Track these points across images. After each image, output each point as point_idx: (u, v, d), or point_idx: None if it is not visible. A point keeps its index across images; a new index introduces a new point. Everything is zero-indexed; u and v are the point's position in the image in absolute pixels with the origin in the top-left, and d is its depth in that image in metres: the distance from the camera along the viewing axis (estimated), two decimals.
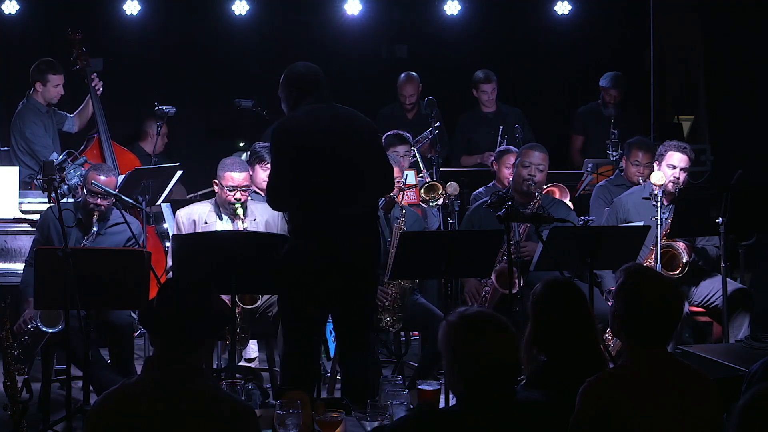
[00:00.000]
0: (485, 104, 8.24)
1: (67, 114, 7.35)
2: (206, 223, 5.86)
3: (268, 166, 6.27)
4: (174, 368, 2.88)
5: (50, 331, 5.29)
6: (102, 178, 5.70)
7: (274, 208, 4.92)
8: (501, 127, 7.77)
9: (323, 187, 4.64)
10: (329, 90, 4.85)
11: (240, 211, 5.74)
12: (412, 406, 3.59)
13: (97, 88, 7.20)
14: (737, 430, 2.26)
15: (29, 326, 5.39)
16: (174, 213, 6.10)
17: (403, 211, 5.92)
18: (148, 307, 2.99)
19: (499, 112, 8.22)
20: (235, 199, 5.76)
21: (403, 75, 8.28)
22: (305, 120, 4.73)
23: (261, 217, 5.90)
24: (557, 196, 6.88)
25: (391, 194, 5.85)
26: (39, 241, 5.76)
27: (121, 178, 6.19)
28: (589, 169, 7.38)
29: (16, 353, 5.22)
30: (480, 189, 6.96)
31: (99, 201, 5.69)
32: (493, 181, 6.93)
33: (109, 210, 5.80)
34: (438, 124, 7.28)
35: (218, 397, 2.87)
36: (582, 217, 6.08)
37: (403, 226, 5.80)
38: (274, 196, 4.74)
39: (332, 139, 4.68)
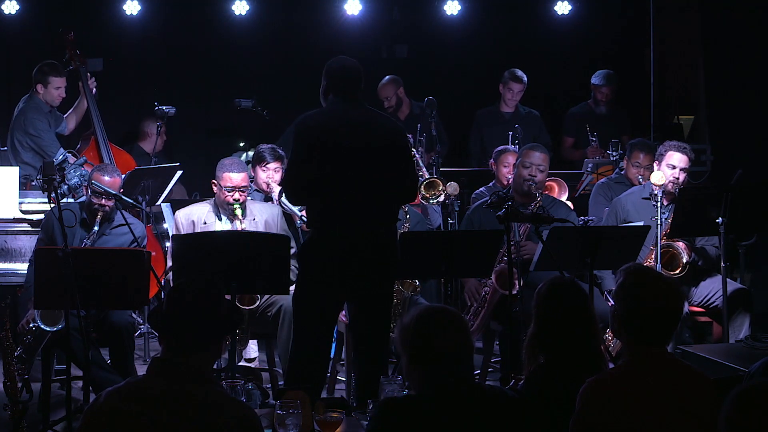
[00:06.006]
0: (506, 103, 8.22)
1: (62, 115, 7.35)
2: (205, 223, 5.85)
3: (268, 166, 6.29)
4: (181, 371, 2.86)
5: (51, 330, 5.29)
6: (106, 178, 5.69)
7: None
8: (511, 131, 7.75)
9: (338, 184, 4.67)
10: (360, 90, 4.88)
11: (239, 212, 5.74)
12: None
13: (91, 87, 7.19)
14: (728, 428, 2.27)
15: (31, 325, 5.39)
16: (174, 213, 6.10)
17: (408, 216, 5.93)
18: (158, 308, 2.98)
19: (516, 114, 8.21)
20: (234, 199, 5.76)
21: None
22: (325, 118, 4.79)
23: (260, 217, 5.90)
24: (556, 191, 6.88)
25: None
26: (43, 240, 5.75)
27: None
28: (589, 169, 7.38)
29: (18, 353, 5.23)
30: (481, 188, 6.96)
31: (103, 201, 5.69)
32: (494, 181, 6.93)
33: (113, 210, 5.80)
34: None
35: (225, 404, 2.85)
36: (582, 217, 6.08)
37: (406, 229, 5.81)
38: (287, 189, 4.93)
39: (349, 139, 4.69)
